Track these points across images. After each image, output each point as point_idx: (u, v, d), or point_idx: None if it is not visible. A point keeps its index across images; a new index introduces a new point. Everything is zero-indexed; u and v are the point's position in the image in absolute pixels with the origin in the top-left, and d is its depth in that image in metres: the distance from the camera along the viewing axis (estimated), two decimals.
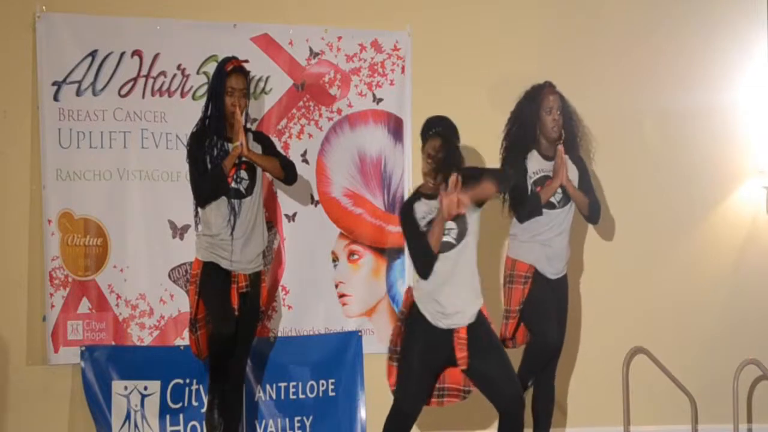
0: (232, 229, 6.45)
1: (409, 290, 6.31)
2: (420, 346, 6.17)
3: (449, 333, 6.18)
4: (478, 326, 6.23)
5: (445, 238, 6.15)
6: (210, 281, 6.48)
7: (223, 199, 6.45)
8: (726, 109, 7.74)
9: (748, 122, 7.76)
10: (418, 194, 6.26)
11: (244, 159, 6.49)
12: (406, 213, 6.24)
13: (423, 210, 6.19)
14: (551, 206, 6.72)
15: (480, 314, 6.24)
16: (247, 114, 6.60)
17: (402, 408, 6.21)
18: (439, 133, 6.16)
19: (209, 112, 6.52)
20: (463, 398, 6.37)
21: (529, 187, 6.71)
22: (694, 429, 7.40)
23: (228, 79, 6.49)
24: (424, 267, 6.17)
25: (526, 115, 6.76)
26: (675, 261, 7.66)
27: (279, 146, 7.17)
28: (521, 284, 6.69)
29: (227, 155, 6.44)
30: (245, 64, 6.58)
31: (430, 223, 6.14)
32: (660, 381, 7.27)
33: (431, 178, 6.18)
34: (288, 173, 6.67)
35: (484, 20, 7.49)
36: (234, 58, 6.61)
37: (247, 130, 6.58)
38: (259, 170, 6.59)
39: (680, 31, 7.72)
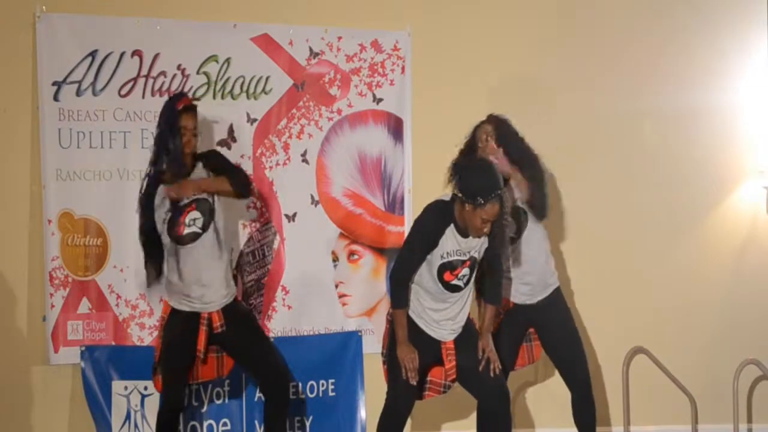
0: (179, 275, 6.37)
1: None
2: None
3: (437, 342, 6.27)
4: (464, 332, 6.29)
5: (456, 282, 6.21)
6: (173, 338, 6.38)
7: (180, 249, 6.34)
8: (726, 109, 7.74)
9: (748, 122, 7.75)
10: (451, 216, 6.15)
11: (193, 197, 6.32)
12: (431, 229, 6.15)
13: (451, 246, 6.15)
14: (510, 240, 6.44)
15: (466, 320, 6.32)
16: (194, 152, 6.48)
17: (394, 406, 6.25)
18: (501, 197, 6.06)
19: (163, 153, 6.31)
20: (443, 393, 6.44)
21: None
22: (694, 429, 7.40)
23: (180, 118, 6.30)
24: (397, 289, 6.22)
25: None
26: (675, 261, 7.66)
27: (279, 146, 7.18)
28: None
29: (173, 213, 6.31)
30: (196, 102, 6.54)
31: (449, 262, 6.15)
32: (660, 381, 7.26)
33: (477, 236, 6.17)
34: (238, 187, 6.39)
35: (484, 20, 7.49)
36: (185, 96, 6.51)
37: (198, 156, 6.43)
38: (213, 200, 6.40)
39: (680, 31, 7.72)
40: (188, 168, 6.35)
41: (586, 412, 6.68)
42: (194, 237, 6.36)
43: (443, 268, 6.17)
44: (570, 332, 6.66)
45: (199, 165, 6.45)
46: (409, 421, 6.54)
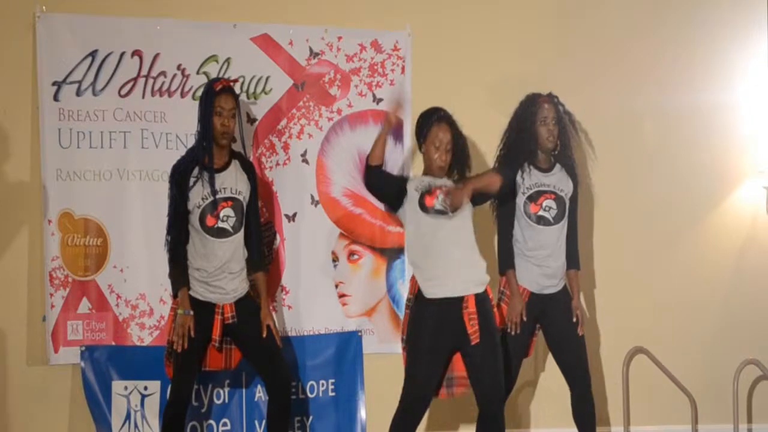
0: (208, 262, 6.43)
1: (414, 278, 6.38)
2: (428, 329, 6.20)
3: (458, 310, 6.21)
4: (484, 302, 6.29)
5: (439, 207, 6.29)
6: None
7: (207, 239, 6.42)
8: (726, 109, 7.74)
9: (748, 122, 7.75)
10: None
11: (228, 195, 6.47)
12: (394, 180, 6.49)
13: (424, 180, 6.35)
14: (546, 222, 6.69)
15: (485, 293, 6.32)
16: (242, 138, 6.65)
17: (412, 393, 6.21)
18: (445, 118, 6.31)
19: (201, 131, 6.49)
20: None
21: (523, 204, 6.68)
22: (694, 429, 7.40)
23: (217, 99, 6.45)
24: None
25: (521, 125, 6.73)
26: (675, 261, 7.66)
27: (279, 146, 7.18)
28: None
29: (210, 198, 6.42)
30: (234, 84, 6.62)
31: (424, 192, 6.31)
32: (660, 381, 7.27)
33: (441, 172, 6.30)
34: (259, 266, 6.69)
35: (484, 20, 7.49)
36: (223, 78, 6.69)
37: (235, 156, 6.58)
38: (245, 205, 6.53)
39: (680, 32, 7.72)
40: (219, 149, 6.46)
41: (586, 410, 6.69)
42: (222, 233, 6.42)
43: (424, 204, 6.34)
44: (574, 330, 6.67)
45: (236, 163, 6.55)
46: (424, 421, 6.50)
